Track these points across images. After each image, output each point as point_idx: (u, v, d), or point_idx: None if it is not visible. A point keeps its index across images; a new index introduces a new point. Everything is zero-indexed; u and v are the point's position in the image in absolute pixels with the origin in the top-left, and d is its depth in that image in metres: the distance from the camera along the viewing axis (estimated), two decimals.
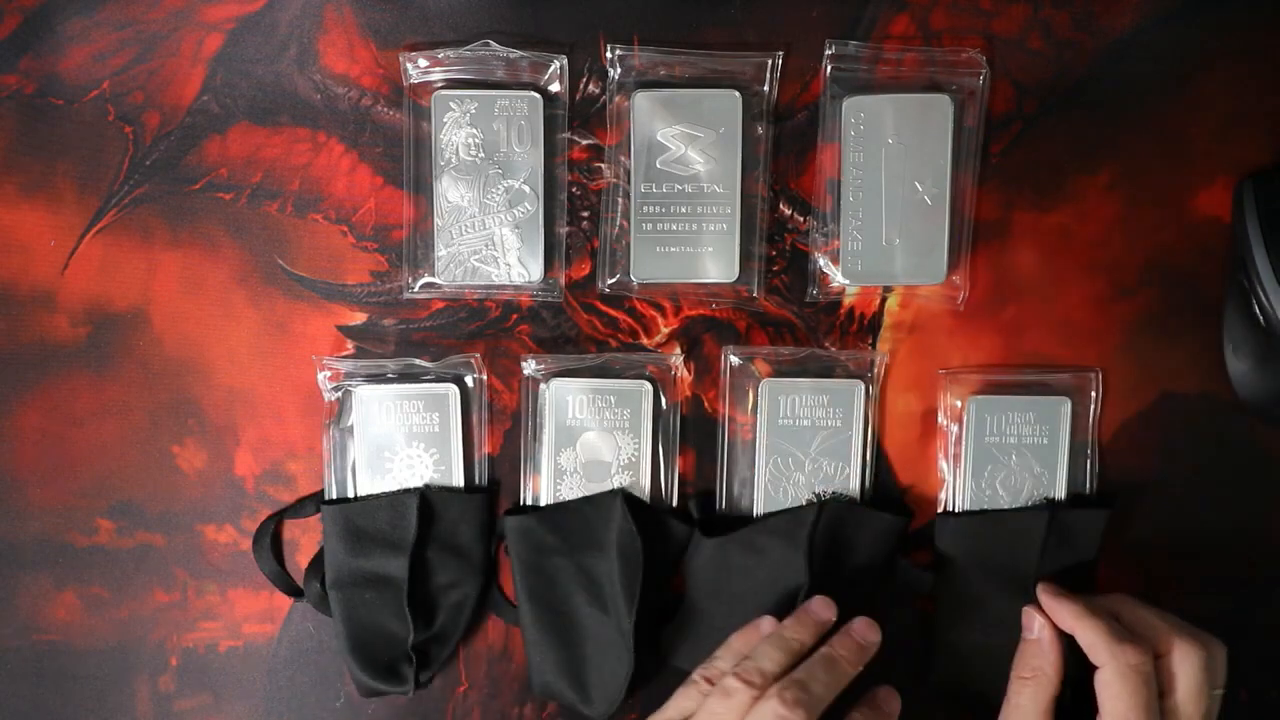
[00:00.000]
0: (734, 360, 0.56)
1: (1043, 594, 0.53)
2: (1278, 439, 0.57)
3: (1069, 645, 0.51)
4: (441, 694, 0.58)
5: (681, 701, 0.50)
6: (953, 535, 0.56)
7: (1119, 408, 0.57)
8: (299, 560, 0.57)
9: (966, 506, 0.56)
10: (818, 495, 0.56)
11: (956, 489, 0.56)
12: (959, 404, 0.56)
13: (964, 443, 0.56)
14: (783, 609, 0.54)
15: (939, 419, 0.57)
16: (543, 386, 0.56)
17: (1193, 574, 0.57)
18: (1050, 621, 0.52)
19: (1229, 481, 0.57)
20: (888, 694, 0.52)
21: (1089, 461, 0.57)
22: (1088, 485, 0.57)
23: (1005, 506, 0.56)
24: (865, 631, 0.51)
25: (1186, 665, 0.49)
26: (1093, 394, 0.56)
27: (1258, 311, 0.53)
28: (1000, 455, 0.56)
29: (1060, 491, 0.56)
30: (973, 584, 0.56)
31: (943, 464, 0.57)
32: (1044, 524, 0.54)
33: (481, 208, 0.56)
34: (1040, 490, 0.56)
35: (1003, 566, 0.55)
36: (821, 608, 0.52)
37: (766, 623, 0.52)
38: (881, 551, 0.55)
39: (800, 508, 0.56)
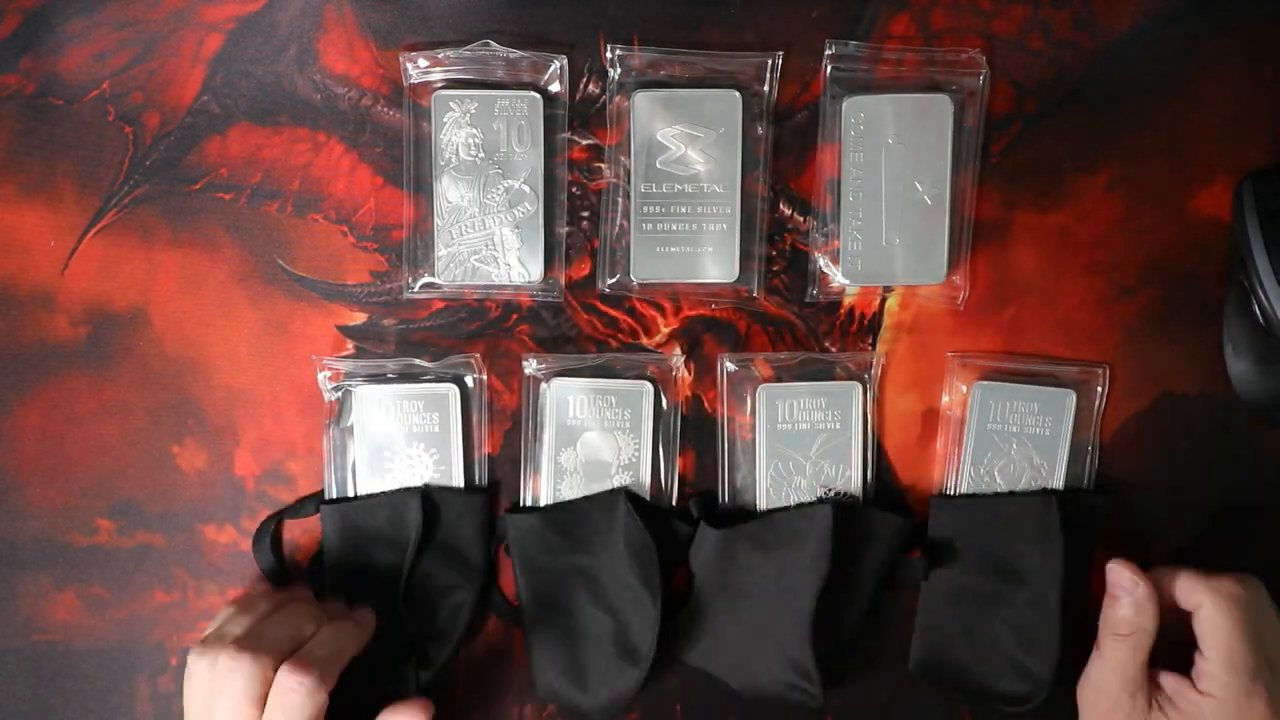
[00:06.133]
0: (730, 366, 0.56)
1: (1117, 565, 0.53)
2: (1278, 439, 0.57)
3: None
4: (442, 694, 0.57)
5: None
6: (948, 518, 0.56)
7: (1119, 407, 0.57)
8: (299, 560, 0.57)
9: (964, 491, 0.56)
10: (826, 491, 0.56)
11: (954, 473, 0.57)
12: (964, 389, 0.56)
13: (966, 427, 0.56)
14: (787, 605, 0.54)
15: (943, 400, 0.57)
16: (543, 386, 0.56)
17: None
18: (1144, 577, 0.52)
19: (1229, 481, 0.57)
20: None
21: (1089, 457, 0.57)
22: (1086, 480, 0.57)
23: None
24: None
25: (1264, 598, 0.50)
26: (1099, 389, 0.56)
27: (1258, 311, 0.53)
28: (1001, 443, 0.56)
29: (1058, 484, 0.56)
30: (964, 567, 0.56)
31: (942, 447, 0.57)
32: (1042, 510, 0.54)
33: (481, 208, 0.56)
34: (1038, 481, 0.56)
35: (996, 553, 0.55)
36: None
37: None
38: (885, 552, 0.55)
39: (809, 507, 0.55)
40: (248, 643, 0.49)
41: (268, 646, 0.49)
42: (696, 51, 0.55)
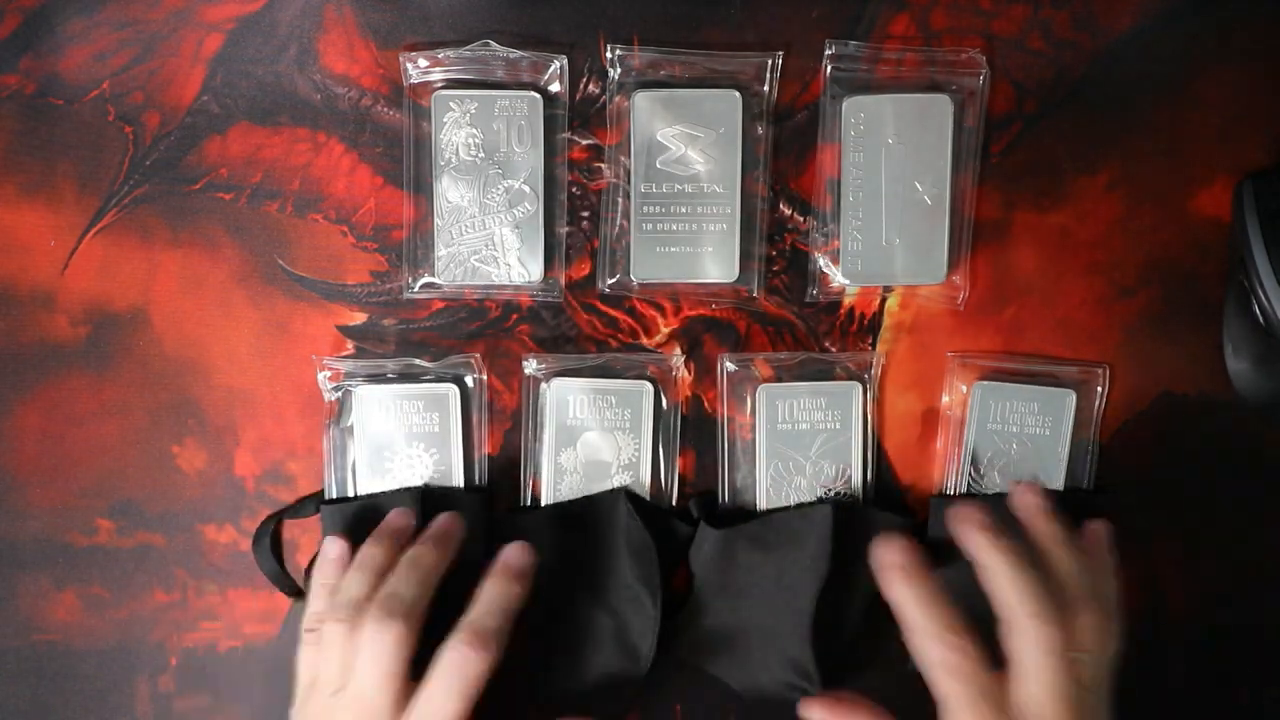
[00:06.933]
0: (730, 366, 0.56)
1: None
2: (1278, 439, 0.57)
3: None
4: None
5: (307, 661, 0.51)
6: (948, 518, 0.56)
7: (1119, 407, 0.57)
8: (299, 560, 0.57)
9: (964, 491, 0.56)
10: (826, 491, 0.56)
11: (954, 473, 0.56)
12: (964, 389, 0.56)
13: (966, 427, 0.56)
14: (787, 605, 0.54)
15: (943, 400, 0.57)
16: (544, 386, 0.56)
17: (1192, 573, 0.57)
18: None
19: (1229, 481, 0.57)
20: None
21: (1089, 457, 0.57)
22: (1086, 480, 0.57)
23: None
24: (442, 523, 0.53)
25: (1026, 645, 0.47)
26: (1099, 389, 0.56)
27: (1258, 311, 0.53)
28: (1001, 443, 0.56)
29: (1058, 484, 0.56)
30: (964, 567, 0.55)
31: (942, 447, 0.57)
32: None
33: (481, 208, 0.56)
34: (1038, 482, 0.56)
35: None
36: (395, 516, 0.54)
37: (334, 546, 0.53)
38: None
39: (810, 507, 0.55)
40: (391, 605, 0.48)
41: (411, 608, 0.48)
42: (696, 51, 0.55)
